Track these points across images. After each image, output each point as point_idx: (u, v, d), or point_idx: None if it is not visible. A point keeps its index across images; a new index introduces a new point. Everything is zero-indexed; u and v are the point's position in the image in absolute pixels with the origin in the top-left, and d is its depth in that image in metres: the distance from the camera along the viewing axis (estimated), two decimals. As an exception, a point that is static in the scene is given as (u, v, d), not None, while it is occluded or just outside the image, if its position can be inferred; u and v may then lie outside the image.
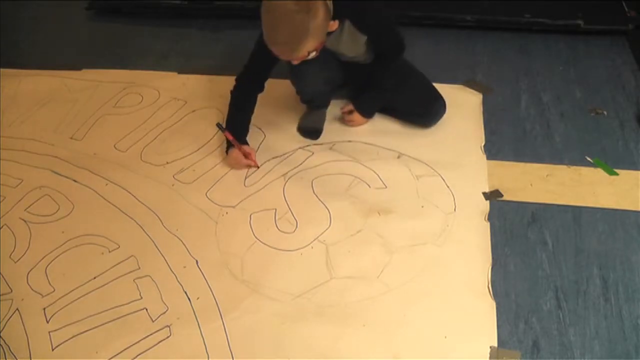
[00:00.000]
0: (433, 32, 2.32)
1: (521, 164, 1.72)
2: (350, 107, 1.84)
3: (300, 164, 1.75)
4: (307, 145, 1.81)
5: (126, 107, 2.06)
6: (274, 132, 1.87)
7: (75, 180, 1.77)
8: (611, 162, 1.71)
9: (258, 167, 1.74)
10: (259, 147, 1.81)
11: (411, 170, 1.70)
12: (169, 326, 1.36)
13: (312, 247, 1.51)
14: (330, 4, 1.44)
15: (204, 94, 2.07)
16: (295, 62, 1.51)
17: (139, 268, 1.50)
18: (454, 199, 1.61)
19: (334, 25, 1.51)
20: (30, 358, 1.32)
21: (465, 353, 1.27)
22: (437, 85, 1.85)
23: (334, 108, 1.90)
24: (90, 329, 1.36)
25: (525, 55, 2.19)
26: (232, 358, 1.29)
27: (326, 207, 1.61)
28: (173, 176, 1.75)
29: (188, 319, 1.37)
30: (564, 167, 1.71)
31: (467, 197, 1.61)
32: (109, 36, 2.50)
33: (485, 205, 1.59)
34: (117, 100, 2.09)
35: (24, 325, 1.39)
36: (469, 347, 1.28)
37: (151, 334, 1.34)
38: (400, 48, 1.72)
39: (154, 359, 1.30)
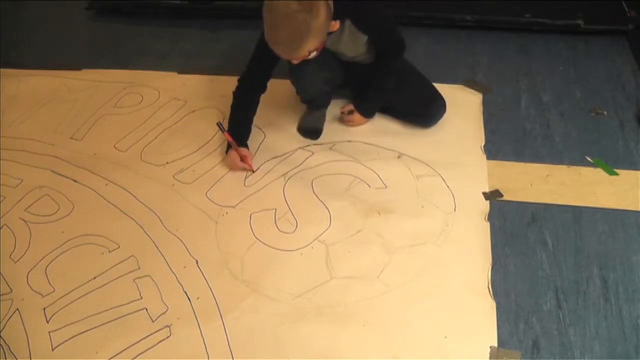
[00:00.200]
0: (433, 32, 2.32)
1: (521, 164, 1.72)
2: (350, 107, 1.84)
3: (300, 164, 1.75)
4: (307, 145, 1.81)
5: (126, 107, 2.06)
6: (274, 132, 1.87)
7: (75, 180, 1.77)
8: (611, 162, 1.71)
9: (253, 171, 1.73)
10: (259, 147, 1.81)
11: (411, 170, 1.70)
12: (169, 326, 1.36)
13: (312, 247, 1.51)
14: (331, 4, 1.45)
15: (204, 94, 2.07)
16: (295, 62, 1.51)
17: (139, 268, 1.50)
18: (454, 199, 1.61)
19: (335, 25, 1.51)
20: (30, 358, 1.32)
21: (465, 353, 1.27)
22: (437, 85, 1.85)
23: (334, 108, 1.90)
24: (90, 329, 1.36)
25: (525, 55, 2.19)
26: (232, 358, 1.29)
27: (326, 207, 1.61)
28: (173, 176, 1.75)
29: (188, 319, 1.37)
30: (564, 167, 1.71)
31: (467, 197, 1.61)
32: (109, 36, 2.50)
33: (485, 205, 1.59)
34: (117, 100, 2.09)
35: (24, 325, 1.39)
36: (469, 347, 1.28)
37: (151, 334, 1.34)
38: (401, 48, 1.72)
39: (154, 359, 1.30)
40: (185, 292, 1.43)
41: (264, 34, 1.45)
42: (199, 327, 1.35)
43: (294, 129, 1.87)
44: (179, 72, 2.20)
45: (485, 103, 1.95)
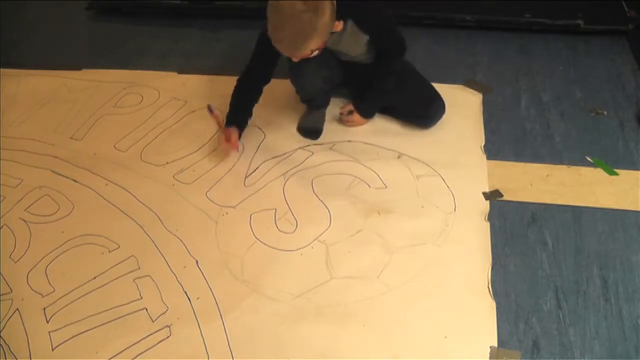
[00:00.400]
0: (433, 32, 2.32)
1: (521, 164, 1.72)
2: (350, 107, 1.84)
3: (300, 164, 1.75)
4: (307, 145, 1.81)
5: (126, 107, 2.06)
6: (274, 132, 1.87)
7: (75, 180, 1.77)
8: (611, 162, 1.71)
9: (237, 150, 1.75)
10: (258, 147, 1.81)
11: (411, 170, 1.70)
12: (169, 326, 1.36)
13: (312, 247, 1.51)
14: (335, 3, 1.45)
15: (204, 94, 2.07)
16: (295, 60, 1.51)
17: (139, 268, 1.50)
18: (454, 199, 1.61)
19: (339, 25, 1.52)
20: (30, 358, 1.32)
21: (465, 353, 1.27)
22: (437, 85, 1.85)
23: (334, 108, 1.90)
24: (90, 329, 1.36)
25: (525, 55, 2.19)
26: (232, 358, 1.29)
27: (326, 207, 1.61)
28: (173, 176, 1.75)
29: (188, 319, 1.37)
30: (564, 167, 1.71)
31: (467, 197, 1.61)
32: (109, 36, 2.50)
33: (485, 205, 1.59)
34: (117, 100, 2.09)
35: (24, 325, 1.39)
36: (469, 347, 1.28)
37: (151, 334, 1.34)
38: (402, 49, 1.72)
39: (154, 359, 1.30)
40: (185, 292, 1.43)
41: (265, 30, 1.45)
42: (199, 327, 1.35)
43: (293, 129, 1.87)
44: (179, 72, 2.20)
45: (485, 103, 1.95)
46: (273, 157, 1.78)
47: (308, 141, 1.83)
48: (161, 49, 2.38)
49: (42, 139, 1.94)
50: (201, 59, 2.29)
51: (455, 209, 1.58)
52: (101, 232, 1.59)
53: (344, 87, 1.91)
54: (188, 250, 1.53)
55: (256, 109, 1.79)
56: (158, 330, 1.35)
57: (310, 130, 1.84)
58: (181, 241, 1.55)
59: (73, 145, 1.91)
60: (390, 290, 1.40)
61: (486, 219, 1.55)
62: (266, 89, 1.76)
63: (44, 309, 1.42)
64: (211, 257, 1.51)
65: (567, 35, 2.26)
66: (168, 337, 1.34)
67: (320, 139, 1.83)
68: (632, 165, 1.70)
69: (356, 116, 1.84)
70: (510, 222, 1.56)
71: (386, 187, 1.66)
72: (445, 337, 1.29)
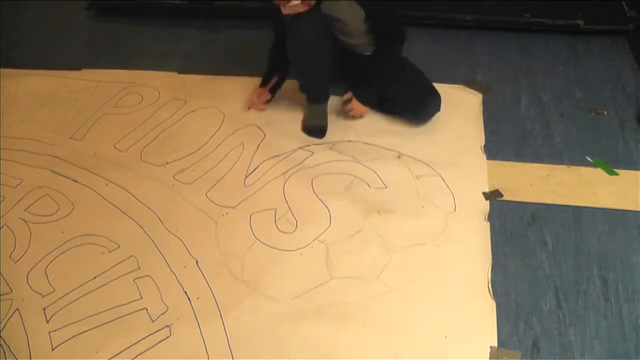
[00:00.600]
0: (433, 32, 2.32)
1: (521, 164, 1.72)
2: (349, 95, 1.84)
3: (300, 164, 1.75)
4: (307, 145, 1.81)
5: (126, 107, 2.06)
6: (274, 132, 1.87)
7: (75, 180, 1.77)
8: (611, 162, 1.71)
9: (261, 108, 1.92)
10: (258, 147, 1.81)
11: (411, 170, 1.70)
12: (169, 326, 1.36)
13: (312, 247, 1.51)
14: None
15: (204, 94, 2.07)
16: (284, 10, 1.58)
17: (139, 268, 1.50)
18: (454, 199, 1.61)
19: None
20: (30, 358, 1.32)
21: (465, 353, 1.27)
22: (437, 85, 1.86)
23: (334, 109, 1.90)
24: (90, 329, 1.36)
25: (525, 55, 2.19)
26: (232, 358, 1.29)
27: (326, 207, 1.61)
28: (173, 176, 1.75)
29: (188, 319, 1.37)
30: (564, 167, 1.71)
31: (467, 197, 1.61)
32: (109, 36, 2.50)
33: (485, 205, 1.59)
34: (117, 100, 2.09)
35: (24, 325, 1.39)
36: (469, 347, 1.28)
37: (151, 334, 1.34)
38: (400, 36, 1.74)
39: (154, 359, 1.30)
40: (185, 292, 1.43)
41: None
42: (199, 327, 1.35)
43: (294, 128, 1.87)
44: (179, 72, 2.20)
45: (485, 103, 1.95)
46: (273, 157, 1.78)
47: (308, 141, 1.83)
48: (161, 49, 2.38)
49: (42, 139, 1.94)
50: (201, 59, 2.30)
51: (455, 209, 1.58)
52: (101, 232, 1.59)
53: (344, 81, 1.90)
54: (188, 250, 1.53)
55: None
56: (158, 330, 1.35)
57: (316, 129, 1.85)
58: (181, 241, 1.55)
59: (73, 145, 1.91)
60: (390, 290, 1.40)
61: (486, 219, 1.55)
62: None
63: (44, 309, 1.42)
64: (211, 257, 1.51)
65: (567, 35, 2.26)
66: (168, 337, 1.34)
67: (320, 139, 1.83)
68: (632, 165, 1.70)
69: (355, 103, 1.84)
70: (510, 222, 1.56)
71: (386, 187, 1.66)
72: (445, 337, 1.29)
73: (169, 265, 1.49)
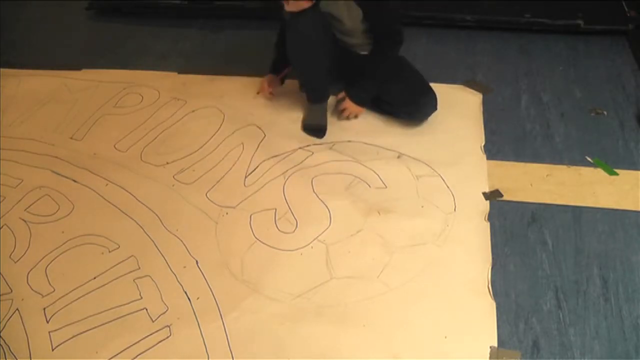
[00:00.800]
0: (433, 32, 2.32)
1: (521, 164, 1.72)
2: (343, 94, 1.84)
3: (300, 164, 1.75)
4: (307, 145, 1.81)
5: (126, 107, 2.06)
6: (274, 132, 1.87)
7: (75, 180, 1.77)
8: (611, 162, 1.71)
9: (270, 96, 1.95)
10: (258, 146, 1.81)
11: (411, 170, 1.70)
12: (169, 326, 1.36)
13: (312, 247, 1.51)
14: None
15: (204, 94, 2.07)
16: (287, 6, 1.59)
17: (139, 268, 1.50)
18: (454, 199, 1.61)
19: None
20: (30, 358, 1.32)
21: (465, 353, 1.27)
22: (437, 85, 1.85)
23: (333, 108, 1.90)
24: (90, 329, 1.36)
25: (525, 55, 2.19)
26: (232, 358, 1.29)
27: (326, 207, 1.61)
28: (173, 176, 1.75)
29: (188, 319, 1.37)
30: (564, 167, 1.71)
31: (467, 197, 1.61)
32: (109, 36, 2.50)
33: (485, 205, 1.59)
34: (117, 100, 2.09)
35: (24, 325, 1.39)
36: (469, 347, 1.28)
37: (151, 334, 1.34)
38: (396, 37, 1.73)
39: (154, 359, 1.30)
40: (185, 292, 1.43)
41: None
42: (199, 327, 1.35)
43: (293, 128, 1.87)
44: (179, 72, 2.20)
45: (485, 103, 1.95)
46: (273, 157, 1.78)
47: (308, 141, 1.83)
48: (161, 49, 2.38)
49: (42, 139, 1.94)
50: (201, 59, 2.29)
51: (455, 209, 1.58)
52: (101, 232, 1.59)
53: (340, 79, 1.89)
54: (188, 250, 1.53)
55: (256, 109, 1.79)
56: (158, 330, 1.35)
57: (315, 128, 1.85)
58: (181, 241, 1.55)
59: (73, 145, 1.91)
60: (390, 290, 1.40)
61: (486, 219, 1.55)
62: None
63: (44, 309, 1.42)
64: (211, 257, 1.51)
65: (567, 35, 2.26)
66: (168, 337, 1.34)
67: (320, 139, 1.83)
68: (632, 165, 1.70)
69: (348, 102, 1.84)
70: (510, 222, 1.56)
71: (386, 187, 1.66)
72: (445, 337, 1.29)
73: (169, 265, 1.49)
